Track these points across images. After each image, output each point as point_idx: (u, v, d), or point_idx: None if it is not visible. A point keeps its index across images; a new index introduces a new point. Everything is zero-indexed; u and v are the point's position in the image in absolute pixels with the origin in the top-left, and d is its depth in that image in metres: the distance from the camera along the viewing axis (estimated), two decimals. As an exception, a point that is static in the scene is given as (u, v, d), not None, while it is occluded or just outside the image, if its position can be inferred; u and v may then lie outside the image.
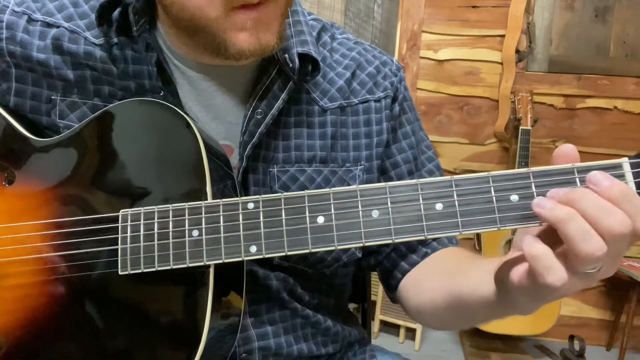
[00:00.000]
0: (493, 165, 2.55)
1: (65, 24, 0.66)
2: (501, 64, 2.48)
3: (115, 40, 0.65)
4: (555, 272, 0.42)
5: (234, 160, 0.68)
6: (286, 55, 0.65)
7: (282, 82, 0.67)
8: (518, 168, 2.18)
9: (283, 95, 0.66)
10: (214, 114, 0.68)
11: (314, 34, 0.73)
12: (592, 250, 0.41)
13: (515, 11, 2.41)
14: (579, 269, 0.42)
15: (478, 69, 2.52)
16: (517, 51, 2.44)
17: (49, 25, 0.66)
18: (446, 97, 2.56)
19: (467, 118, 2.55)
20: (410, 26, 2.52)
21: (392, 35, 2.62)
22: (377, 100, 0.74)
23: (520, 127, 2.24)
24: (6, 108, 0.68)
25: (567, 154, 0.48)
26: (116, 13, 0.64)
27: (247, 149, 0.66)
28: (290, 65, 0.65)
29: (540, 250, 0.43)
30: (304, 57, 0.66)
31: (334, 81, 0.72)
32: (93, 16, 0.65)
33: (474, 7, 2.49)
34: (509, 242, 2.28)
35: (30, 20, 0.66)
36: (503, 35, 2.45)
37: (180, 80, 0.67)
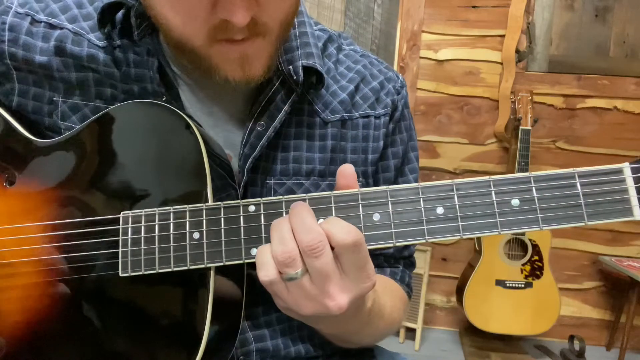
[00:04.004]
0: (493, 165, 2.55)
1: (69, 26, 0.66)
2: (501, 64, 2.48)
3: (118, 42, 0.65)
4: (265, 268, 0.49)
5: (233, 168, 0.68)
6: (290, 67, 0.64)
7: (285, 93, 0.66)
8: (518, 168, 2.18)
9: (285, 108, 0.65)
10: (214, 122, 0.68)
11: (320, 44, 0.72)
12: (280, 251, 0.48)
13: (515, 11, 2.42)
14: (280, 269, 0.49)
15: (478, 69, 2.52)
16: (517, 51, 2.44)
17: (52, 26, 0.66)
18: (446, 97, 2.56)
19: (467, 118, 2.56)
20: (410, 26, 2.52)
21: (392, 35, 2.62)
22: (377, 117, 0.73)
23: (520, 127, 2.24)
24: (7, 109, 0.67)
25: (345, 174, 0.54)
26: (119, 15, 0.63)
27: (249, 162, 0.65)
28: (295, 77, 0.64)
29: (260, 248, 0.51)
30: (309, 70, 0.66)
31: (337, 94, 0.71)
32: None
33: (474, 7, 2.49)
34: (509, 243, 2.28)
35: (34, 21, 0.66)
36: (503, 35, 2.46)
37: (181, 86, 0.67)
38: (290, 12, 0.58)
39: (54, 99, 0.67)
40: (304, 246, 0.48)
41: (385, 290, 0.70)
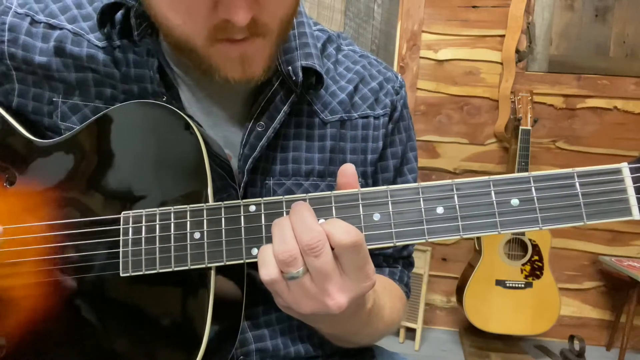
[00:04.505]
0: (493, 165, 2.55)
1: (69, 26, 0.66)
2: (501, 64, 2.48)
3: (117, 42, 0.65)
4: (266, 267, 0.50)
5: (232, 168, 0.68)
6: (290, 67, 0.64)
7: (284, 94, 0.66)
8: (518, 168, 2.18)
9: (285, 108, 0.65)
10: (213, 122, 0.68)
11: (319, 45, 0.72)
12: (281, 250, 0.48)
13: (515, 11, 2.42)
14: (281, 268, 0.49)
15: (478, 69, 2.52)
16: (517, 51, 2.44)
17: (52, 27, 0.66)
18: (446, 97, 2.56)
19: (467, 118, 2.56)
20: (410, 26, 2.52)
21: (392, 35, 2.62)
22: (377, 117, 0.73)
23: (520, 127, 2.24)
24: (7, 109, 0.67)
25: (346, 173, 0.54)
26: (119, 15, 0.63)
27: (249, 163, 0.65)
28: (294, 78, 0.64)
29: (263, 248, 0.51)
30: (308, 70, 0.66)
31: (336, 94, 0.71)
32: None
33: (474, 7, 2.49)
34: (509, 243, 2.28)
35: (33, 21, 0.66)
36: (503, 35, 2.46)
37: (181, 86, 0.67)
38: (290, 12, 0.58)
39: (54, 99, 0.67)
40: (304, 245, 0.48)
41: (385, 291, 0.70)
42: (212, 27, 0.53)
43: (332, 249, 0.49)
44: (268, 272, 0.49)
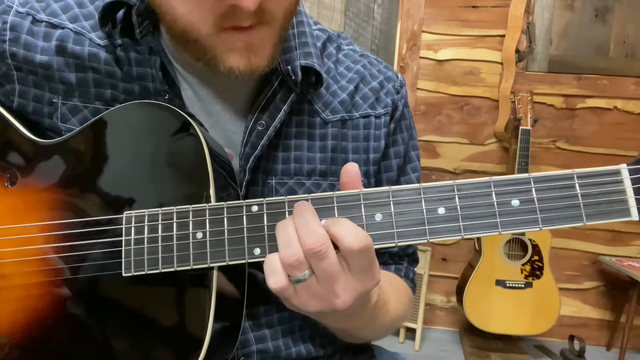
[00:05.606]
0: (493, 165, 2.56)
1: (70, 25, 0.66)
2: (501, 64, 2.48)
3: (119, 41, 0.65)
4: (275, 274, 0.50)
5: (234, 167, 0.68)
6: (289, 67, 0.65)
7: (284, 93, 0.66)
8: (518, 168, 2.18)
9: (285, 107, 0.66)
10: (214, 121, 0.68)
11: (319, 44, 0.72)
12: (287, 255, 0.49)
13: (515, 11, 2.42)
14: (288, 272, 0.50)
15: (478, 69, 2.52)
16: (517, 51, 2.44)
17: (53, 26, 0.66)
18: (446, 97, 2.56)
19: (467, 118, 2.56)
20: (410, 26, 2.52)
21: (392, 35, 2.62)
22: (378, 117, 0.73)
23: (520, 127, 2.24)
24: (9, 109, 0.67)
25: (349, 172, 0.55)
26: (120, 14, 0.63)
27: (250, 162, 0.65)
28: (293, 77, 0.64)
29: (269, 256, 0.51)
30: (307, 70, 0.66)
31: (337, 94, 0.72)
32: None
33: (474, 7, 2.49)
34: (509, 243, 2.28)
35: (35, 20, 0.66)
36: (503, 35, 2.46)
37: (183, 84, 0.67)
38: (294, 2, 0.59)
39: (54, 100, 0.67)
40: (308, 249, 0.48)
41: (391, 287, 0.70)
42: (219, 14, 0.53)
43: (337, 248, 0.49)
44: (276, 279, 0.50)
